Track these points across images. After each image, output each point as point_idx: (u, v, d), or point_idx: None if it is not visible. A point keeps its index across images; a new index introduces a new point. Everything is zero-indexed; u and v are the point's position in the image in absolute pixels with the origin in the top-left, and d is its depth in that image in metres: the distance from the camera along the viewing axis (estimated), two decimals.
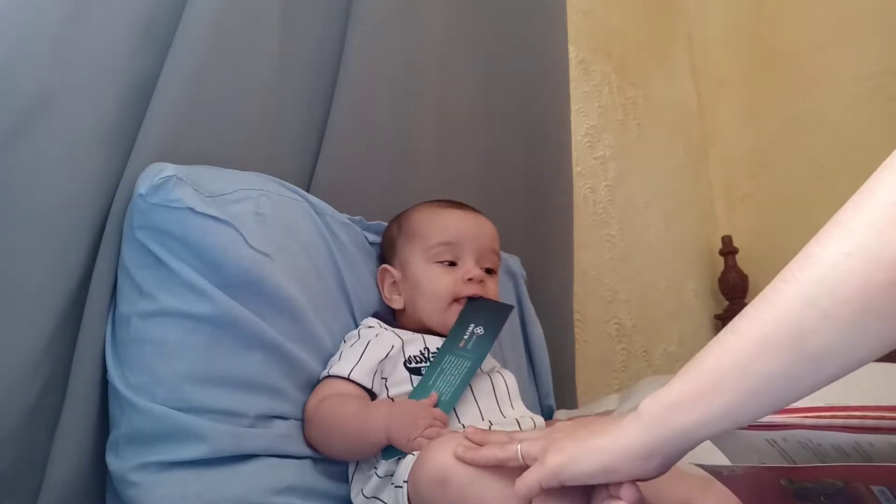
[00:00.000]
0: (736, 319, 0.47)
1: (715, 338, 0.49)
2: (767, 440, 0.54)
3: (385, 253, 1.00)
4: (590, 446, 0.53)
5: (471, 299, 0.91)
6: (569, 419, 1.06)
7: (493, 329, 0.89)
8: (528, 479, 0.56)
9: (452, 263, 0.93)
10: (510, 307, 0.97)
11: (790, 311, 0.44)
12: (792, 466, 0.53)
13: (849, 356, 0.43)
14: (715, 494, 0.66)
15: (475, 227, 0.96)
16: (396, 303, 0.95)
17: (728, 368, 0.46)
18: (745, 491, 0.58)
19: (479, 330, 0.88)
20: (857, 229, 0.42)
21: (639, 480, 0.54)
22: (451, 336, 0.88)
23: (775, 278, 0.46)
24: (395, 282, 0.96)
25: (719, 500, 0.65)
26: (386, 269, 0.97)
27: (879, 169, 0.44)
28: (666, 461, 0.51)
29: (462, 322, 0.89)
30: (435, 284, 0.91)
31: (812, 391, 0.45)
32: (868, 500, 0.50)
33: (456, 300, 0.91)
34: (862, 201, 0.43)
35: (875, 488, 0.49)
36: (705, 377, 0.48)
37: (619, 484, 0.54)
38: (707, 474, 0.59)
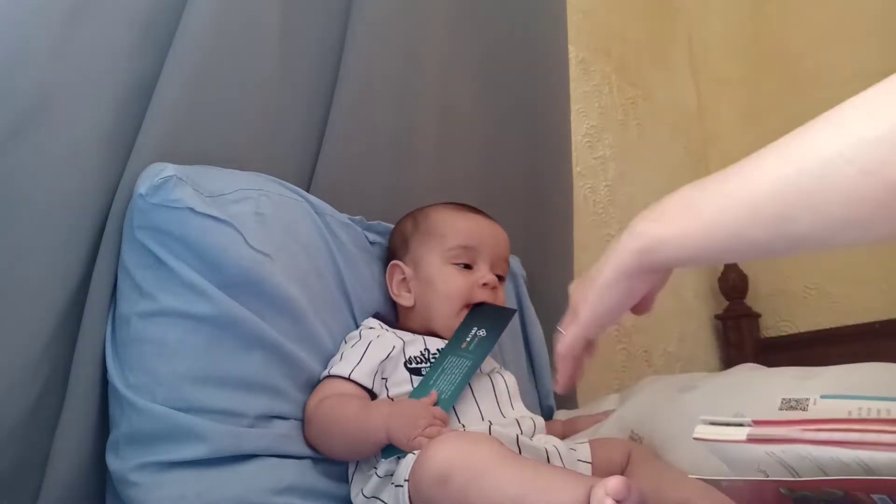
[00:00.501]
0: (734, 178, 0.52)
1: (712, 185, 0.54)
2: (767, 452, 0.54)
3: (396, 249, 1.00)
4: (602, 284, 0.61)
5: (476, 304, 0.92)
6: (568, 419, 1.06)
7: (496, 331, 0.90)
8: (567, 338, 0.64)
9: (468, 267, 0.93)
10: (513, 311, 0.98)
11: (783, 194, 0.48)
12: (793, 480, 0.53)
13: (827, 243, 0.48)
14: (715, 497, 0.66)
15: (492, 234, 0.97)
16: (405, 300, 0.95)
17: (720, 225, 0.52)
18: (745, 499, 0.58)
19: (482, 332, 0.89)
20: (863, 138, 0.44)
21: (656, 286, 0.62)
22: (454, 339, 0.88)
23: (780, 149, 0.49)
24: (404, 278, 0.96)
25: (720, 501, 0.65)
26: (396, 265, 0.97)
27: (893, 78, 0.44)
28: (662, 273, 0.61)
29: (465, 325, 0.90)
30: (450, 285, 0.92)
31: (788, 255, 0.52)
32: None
33: (466, 306, 0.92)
34: (879, 111, 0.44)
35: (875, 496, 0.49)
36: (697, 228, 0.54)
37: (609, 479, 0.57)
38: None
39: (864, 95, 0.45)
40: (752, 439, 0.55)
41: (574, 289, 0.67)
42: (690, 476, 0.58)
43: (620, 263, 0.60)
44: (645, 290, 0.62)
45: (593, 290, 0.62)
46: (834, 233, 0.46)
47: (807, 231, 0.47)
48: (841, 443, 0.50)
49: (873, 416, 0.58)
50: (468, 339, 0.88)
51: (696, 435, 0.60)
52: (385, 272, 0.99)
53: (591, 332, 0.64)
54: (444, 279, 0.92)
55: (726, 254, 0.57)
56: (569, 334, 0.65)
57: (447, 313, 0.91)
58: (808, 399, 0.71)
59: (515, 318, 1.14)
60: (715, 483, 0.56)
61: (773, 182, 0.48)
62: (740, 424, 0.57)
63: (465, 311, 0.91)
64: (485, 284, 0.92)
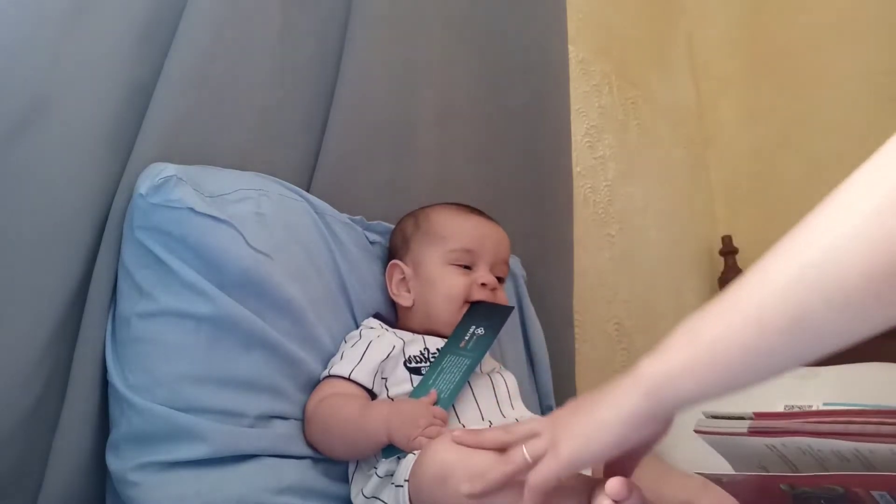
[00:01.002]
0: (736, 291, 0.48)
1: (714, 306, 0.49)
2: (767, 445, 0.54)
3: (396, 249, 1.00)
4: (596, 424, 0.54)
5: (474, 303, 0.92)
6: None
7: (494, 329, 0.90)
8: (545, 472, 0.56)
9: (467, 267, 0.93)
10: (511, 308, 0.98)
11: (792, 292, 0.44)
12: (794, 475, 0.53)
13: (848, 335, 0.44)
14: (715, 496, 0.66)
15: (494, 236, 0.97)
16: (405, 299, 0.95)
17: (729, 344, 0.47)
18: (746, 496, 0.58)
19: (480, 331, 0.89)
20: (860, 213, 0.42)
21: (649, 444, 0.56)
22: (453, 338, 0.88)
23: (776, 249, 0.46)
24: (404, 278, 0.96)
25: (719, 501, 0.65)
26: (396, 265, 0.97)
27: (882, 151, 0.43)
28: (669, 419, 0.54)
29: (464, 324, 0.90)
30: (450, 285, 0.92)
31: (811, 361, 0.47)
32: (867, 502, 0.51)
33: (467, 303, 0.92)
34: (865, 183, 0.43)
35: (875, 493, 0.49)
36: (706, 352, 0.49)
37: (609, 479, 0.55)
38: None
39: (853, 176, 0.44)
40: (753, 431, 0.55)
41: (559, 415, 0.60)
42: (692, 473, 0.58)
43: (622, 408, 0.53)
44: (636, 443, 0.55)
45: (583, 428, 0.55)
46: (855, 317, 0.43)
47: (826, 323, 0.43)
48: (841, 434, 0.50)
49: None
50: (466, 338, 0.88)
51: (696, 427, 0.60)
52: (385, 272, 0.99)
53: (568, 473, 0.57)
54: (444, 279, 0.92)
55: (742, 375, 0.48)
56: (544, 471, 0.56)
57: (448, 312, 0.91)
58: (810, 406, 0.71)
59: (515, 318, 1.14)
60: (716, 479, 0.56)
61: (778, 284, 0.45)
62: (741, 417, 0.57)
63: (465, 308, 0.91)
64: (483, 284, 0.92)
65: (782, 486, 0.54)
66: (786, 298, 0.44)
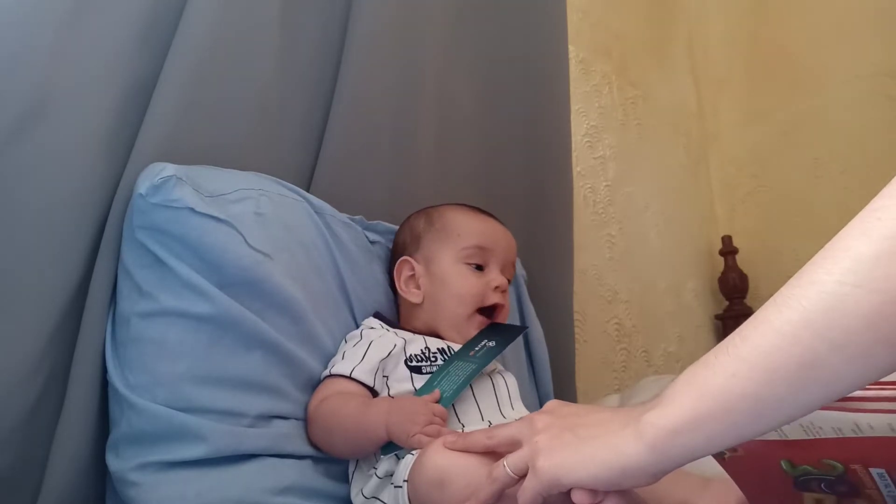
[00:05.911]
0: (739, 342, 0.47)
1: (716, 357, 0.48)
2: None
3: (405, 245, 0.99)
4: (588, 456, 0.53)
5: (491, 324, 0.93)
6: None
7: (504, 343, 0.91)
8: (529, 491, 0.56)
9: (479, 268, 0.94)
10: (524, 328, 1.00)
11: (798, 339, 0.44)
12: (790, 440, 0.53)
13: (857, 380, 0.44)
14: (713, 495, 0.66)
15: (505, 238, 0.98)
16: (414, 296, 0.95)
17: (736, 394, 0.46)
18: (747, 479, 0.58)
19: (491, 343, 0.90)
20: (863, 259, 0.42)
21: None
22: (465, 348, 0.89)
23: (778, 299, 0.46)
24: (413, 275, 0.96)
25: (718, 500, 0.65)
26: (406, 261, 0.97)
27: (885, 193, 0.43)
28: (668, 473, 0.52)
29: (477, 338, 0.91)
30: (464, 285, 0.92)
31: (819, 407, 0.47)
32: (867, 486, 0.51)
33: (478, 310, 0.92)
34: (868, 229, 0.43)
35: (874, 472, 0.49)
36: (712, 402, 0.47)
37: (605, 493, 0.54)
38: (705, 473, 0.59)
39: (853, 220, 0.44)
40: None
41: (537, 423, 0.58)
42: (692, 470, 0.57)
43: (623, 456, 0.51)
44: (622, 489, 0.53)
45: (572, 453, 0.54)
46: (863, 363, 0.42)
47: (835, 370, 0.43)
48: (844, 400, 0.50)
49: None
50: (477, 349, 0.89)
51: None
52: (386, 272, 0.99)
53: (550, 492, 0.55)
54: (457, 278, 0.93)
55: (751, 425, 0.47)
56: (528, 493, 0.55)
57: (457, 312, 0.92)
58: None
59: (515, 318, 1.14)
60: (718, 455, 0.56)
61: (784, 331, 0.44)
62: None
63: (476, 316, 0.92)
64: (496, 287, 0.93)
65: (783, 466, 0.53)
66: (793, 345, 0.44)
